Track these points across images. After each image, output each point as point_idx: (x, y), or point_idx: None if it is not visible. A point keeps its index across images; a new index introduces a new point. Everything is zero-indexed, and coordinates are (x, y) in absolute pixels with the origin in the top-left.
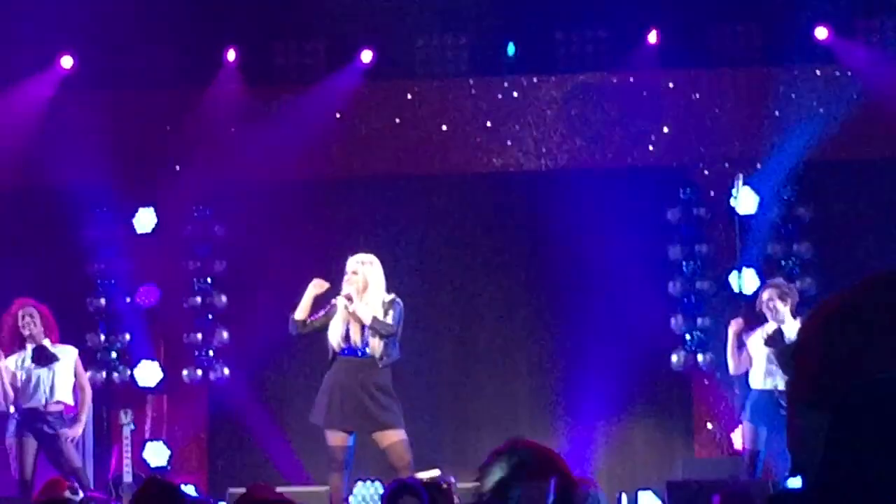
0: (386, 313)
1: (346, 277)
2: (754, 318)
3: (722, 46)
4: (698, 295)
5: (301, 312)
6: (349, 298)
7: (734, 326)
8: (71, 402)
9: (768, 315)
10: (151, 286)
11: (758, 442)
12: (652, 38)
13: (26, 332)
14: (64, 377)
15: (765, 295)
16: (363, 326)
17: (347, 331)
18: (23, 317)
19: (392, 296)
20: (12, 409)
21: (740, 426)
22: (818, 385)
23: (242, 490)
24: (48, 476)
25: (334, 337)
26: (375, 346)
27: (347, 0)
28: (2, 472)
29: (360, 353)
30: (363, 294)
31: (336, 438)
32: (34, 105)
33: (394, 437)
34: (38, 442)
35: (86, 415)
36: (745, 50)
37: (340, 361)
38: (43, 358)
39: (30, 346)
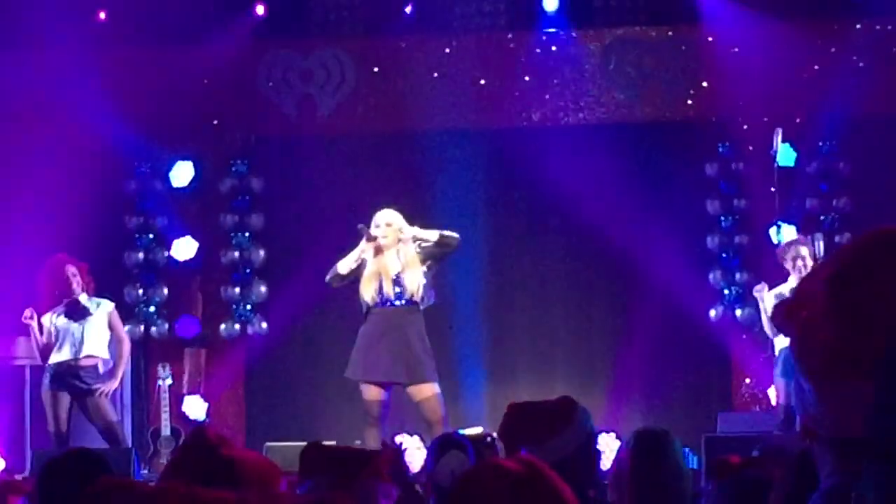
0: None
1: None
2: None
3: (761, 1)
4: (737, 250)
5: (346, 267)
6: (376, 243)
7: (760, 293)
8: (105, 355)
9: (794, 270)
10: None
11: (790, 397)
12: None
13: (68, 290)
14: (96, 331)
15: (801, 250)
16: (396, 276)
17: (380, 284)
18: (67, 276)
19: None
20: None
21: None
22: (835, 357)
23: (280, 444)
24: (83, 429)
25: (367, 292)
26: (415, 288)
27: None
28: (39, 426)
29: (394, 304)
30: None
31: (371, 392)
32: (71, 59)
33: (428, 392)
34: (71, 396)
35: (122, 368)
36: (785, 4)
37: (374, 313)
38: (76, 312)
39: (64, 301)
